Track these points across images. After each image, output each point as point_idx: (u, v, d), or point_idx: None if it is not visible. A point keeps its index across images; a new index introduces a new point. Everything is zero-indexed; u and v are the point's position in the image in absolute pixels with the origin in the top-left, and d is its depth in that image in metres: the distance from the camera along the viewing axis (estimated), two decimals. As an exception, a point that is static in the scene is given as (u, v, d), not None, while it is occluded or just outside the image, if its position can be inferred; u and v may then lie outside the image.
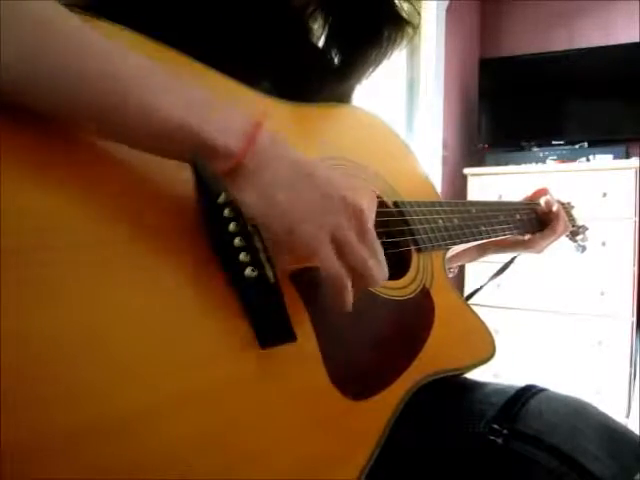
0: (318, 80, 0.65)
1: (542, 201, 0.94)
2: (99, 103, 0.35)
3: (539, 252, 0.94)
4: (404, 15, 0.68)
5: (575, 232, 1.02)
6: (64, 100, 0.35)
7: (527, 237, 0.92)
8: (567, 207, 1.03)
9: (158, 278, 0.37)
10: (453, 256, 0.87)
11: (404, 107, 2.60)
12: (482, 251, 0.92)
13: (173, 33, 0.46)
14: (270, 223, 0.40)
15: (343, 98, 0.72)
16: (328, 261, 0.42)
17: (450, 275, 0.89)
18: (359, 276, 0.44)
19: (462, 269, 2.46)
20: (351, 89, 0.74)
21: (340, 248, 0.42)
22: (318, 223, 0.41)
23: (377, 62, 0.70)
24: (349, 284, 0.43)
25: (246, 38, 0.55)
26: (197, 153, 0.39)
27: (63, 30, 0.35)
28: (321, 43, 0.69)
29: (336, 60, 0.68)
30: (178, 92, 0.38)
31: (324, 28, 0.68)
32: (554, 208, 0.92)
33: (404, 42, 0.69)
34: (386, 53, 0.70)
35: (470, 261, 0.95)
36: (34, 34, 0.33)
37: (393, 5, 0.67)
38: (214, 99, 0.40)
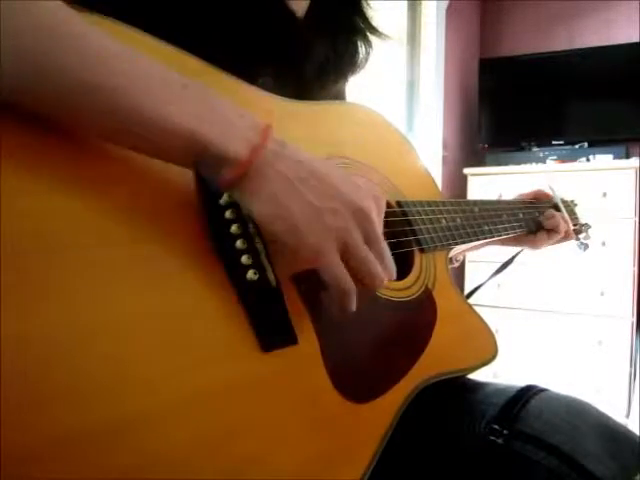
0: (318, 76, 0.65)
1: (546, 213, 0.93)
2: (105, 113, 0.35)
3: (537, 249, 0.94)
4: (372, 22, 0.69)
5: (578, 230, 1.02)
6: (68, 110, 0.35)
7: (529, 238, 0.92)
8: (570, 205, 1.03)
9: (159, 280, 0.37)
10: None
11: (404, 107, 2.60)
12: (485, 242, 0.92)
13: (171, 30, 0.45)
14: (277, 229, 0.40)
15: (339, 95, 0.73)
16: (334, 267, 0.41)
17: (455, 264, 0.89)
18: (365, 280, 0.43)
19: (462, 269, 2.46)
20: (344, 85, 0.75)
21: (347, 253, 0.42)
22: (325, 228, 0.41)
23: (367, 55, 0.71)
24: (354, 289, 0.43)
25: (245, 35, 0.55)
26: (202, 160, 0.39)
27: (68, 36, 0.34)
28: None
29: (330, 56, 0.68)
30: (186, 100, 0.38)
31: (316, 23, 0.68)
32: (555, 215, 0.92)
33: (367, 53, 0.70)
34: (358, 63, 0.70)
35: (473, 250, 0.95)
36: (38, 40, 0.33)
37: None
38: (221, 104, 0.40)
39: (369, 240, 0.43)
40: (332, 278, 0.42)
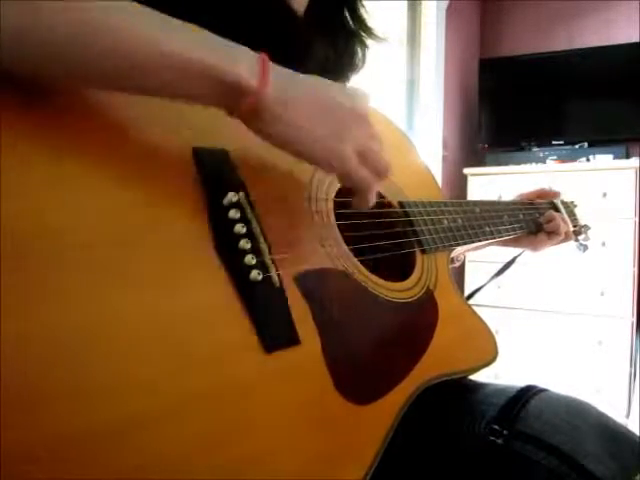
0: (319, 75, 0.65)
1: (546, 214, 0.94)
2: (114, 56, 0.35)
3: (537, 251, 0.94)
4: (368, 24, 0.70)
5: (577, 231, 1.02)
6: (76, 60, 0.35)
7: (530, 239, 0.92)
8: (570, 206, 1.03)
9: (162, 280, 0.37)
10: None
11: (404, 107, 2.60)
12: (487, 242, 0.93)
13: None
14: (303, 147, 0.44)
15: None
16: (358, 170, 0.47)
17: (456, 264, 0.89)
18: (380, 170, 0.49)
19: (462, 269, 2.46)
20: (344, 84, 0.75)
21: (362, 156, 0.47)
22: (342, 138, 0.46)
23: (363, 56, 0.73)
24: (375, 184, 0.49)
25: (246, 33, 0.55)
26: (220, 96, 0.40)
27: None
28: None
29: (330, 54, 0.68)
30: (193, 34, 0.39)
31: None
32: (555, 217, 0.92)
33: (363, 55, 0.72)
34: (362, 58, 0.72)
35: (474, 250, 0.95)
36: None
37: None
38: (220, 40, 0.41)
39: (372, 138, 0.49)
40: (358, 179, 0.48)
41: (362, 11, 0.69)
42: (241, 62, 0.40)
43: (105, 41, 0.35)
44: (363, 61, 0.72)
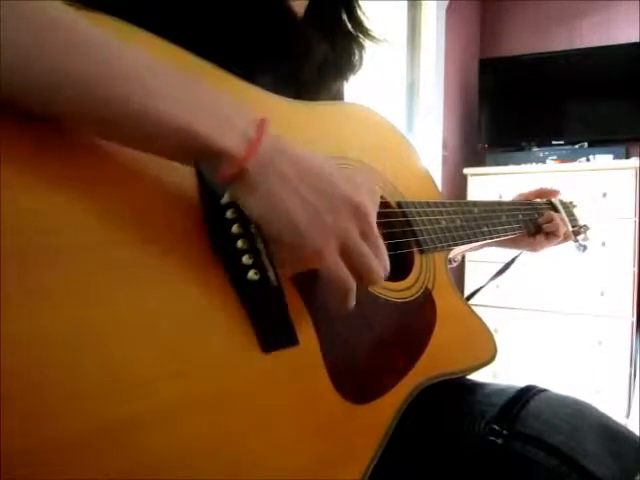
0: (318, 76, 0.65)
1: (545, 215, 0.94)
2: (100, 108, 0.34)
3: (536, 252, 0.95)
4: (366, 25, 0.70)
5: (577, 232, 1.02)
6: (63, 105, 0.34)
7: (529, 240, 0.92)
8: (569, 206, 1.03)
9: (159, 281, 0.37)
10: None
11: (404, 107, 2.60)
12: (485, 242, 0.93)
13: (170, 28, 0.45)
14: (276, 228, 0.40)
15: (338, 96, 0.73)
16: (335, 265, 0.41)
17: (454, 264, 0.89)
18: (364, 275, 0.43)
19: (462, 269, 2.46)
20: (343, 85, 0.75)
21: (347, 252, 0.42)
22: (325, 228, 0.40)
23: (360, 58, 0.72)
24: (354, 286, 0.43)
25: (245, 33, 0.55)
26: (201, 157, 0.38)
27: (63, 31, 0.34)
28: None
29: (329, 55, 0.68)
30: (182, 95, 0.37)
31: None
32: (554, 218, 0.92)
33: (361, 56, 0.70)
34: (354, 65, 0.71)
35: (472, 250, 0.95)
36: (34, 36, 0.32)
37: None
38: (216, 99, 0.39)
39: (366, 235, 0.43)
40: (334, 278, 0.42)
41: (359, 13, 0.69)
42: (232, 130, 0.38)
43: (88, 93, 0.34)
44: (361, 62, 0.71)
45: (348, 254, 0.42)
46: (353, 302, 0.43)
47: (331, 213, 0.41)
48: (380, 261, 0.44)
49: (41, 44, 0.32)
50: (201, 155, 0.38)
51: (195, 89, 0.38)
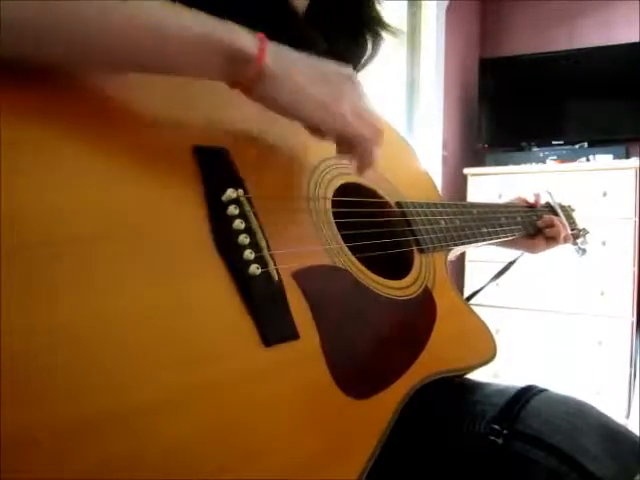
0: None
1: (544, 218, 0.94)
2: (121, 35, 0.38)
3: (535, 253, 0.95)
4: (382, 18, 0.71)
5: (576, 235, 1.02)
6: (86, 38, 0.37)
7: (529, 242, 0.92)
8: (568, 210, 1.04)
9: (161, 275, 0.37)
10: None
11: (404, 107, 2.60)
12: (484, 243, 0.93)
13: None
14: (304, 108, 0.47)
15: None
16: (356, 126, 0.49)
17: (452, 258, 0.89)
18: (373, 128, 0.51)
19: (462, 269, 2.46)
20: None
21: (359, 115, 0.50)
22: (337, 99, 0.48)
23: (364, 62, 0.73)
24: (375, 139, 0.51)
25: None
26: (221, 64, 0.42)
27: None
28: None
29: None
30: (192, 14, 0.42)
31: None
32: (555, 222, 0.92)
33: (376, 47, 0.73)
34: (371, 54, 0.73)
35: (471, 248, 0.96)
36: None
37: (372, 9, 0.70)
38: (216, 19, 0.43)
39: (363, 99, 0.51)
40: (359, 136, 0.50)
41: (375, 3, 0.70)
42: (243, 35, 0.43)
43: (113, 19, 0.37)
44: (373, 54, 0.73)
45: (360, 116, 0.50)
46: (377, 156, 0.52)
47: (339, 89, 0.49)
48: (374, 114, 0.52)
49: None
50: (224, 62, 0.42)
51: (200, 13, 0.42)
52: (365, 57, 0.71)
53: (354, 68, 0.71)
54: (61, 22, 0.35)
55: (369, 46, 0.71)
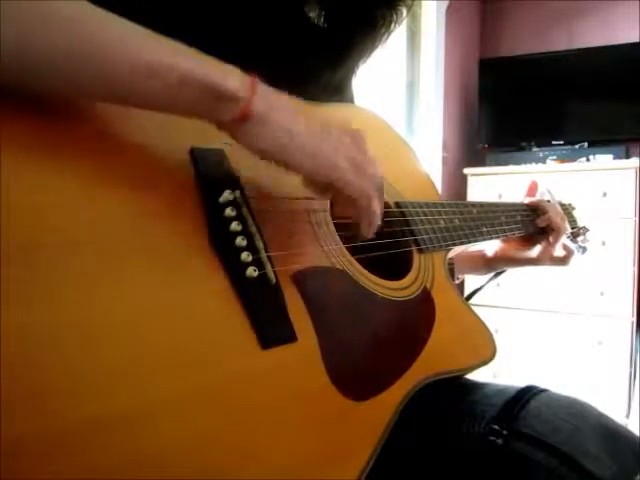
0: (316, 65, 0.65)
1: (541, 216, 0.93)
2: (106, 74, 0.36)
3: (542, 263, 0.93)
4: None
5: (576, 233, 1.02)
6: (68, 78, 0.35)
7: (534, 253, 0.91)
8: (568, 208, 1.03)
9: (159, 277, 0.37)
10: (460, 265, 0.87)
11: (404, 107, 2.60)
12: (490, 265, 0.92)
13: (177, 29, 0.45)
14: (293, 156, 0.42)
15: (342, 84, 0.72)
16: (354, 180, 0.45)
17: (456, 282, 0.88)
18: (373, 183, 0.47)
19: (462, 269, 2.45)
20: (349, 75, 0.74)
21: (358, 168, 0.46)
22: (333, 147, 0.44)
23: (373, 45, 0.72)
24: (375, 192, 0.47)
25: (241, 25, 0.55)
26: (207, 106, 0.40)
27: (62, 11, 0.35)
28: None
29: (333, 44, 0.68)
30: (179, 48, 0.39)
31: (319, 12, 0.68)
32: (548, 212, 0.92)
33: (398, 22, 0.71)
34: (382, 35, 0.72)
35: (478, 274, 0.95)
36: (33, 15, 0.33)
37: None
38: (207, 57, 0.41)
39: (364, 153, 0.47)
40: (357, 190, 0.45)
41: None
42: (231, 74, 0.40)
43: (103, 54, 0.35)
44: (373, 48, 0.72)
45: (359, 169, 0.46)
46: (380, 212, 0.48)
47: (335, 137, 0.45)
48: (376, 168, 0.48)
49: (39, 25, 0.34)
50: (207, 102, 0.39)
51: (189, 49, 0.40)
52: (377, 33, 0.71)
53: (364, 50, 0.71)
54: (56, 47, 0.34)
55: (380, 23, 0.70)
